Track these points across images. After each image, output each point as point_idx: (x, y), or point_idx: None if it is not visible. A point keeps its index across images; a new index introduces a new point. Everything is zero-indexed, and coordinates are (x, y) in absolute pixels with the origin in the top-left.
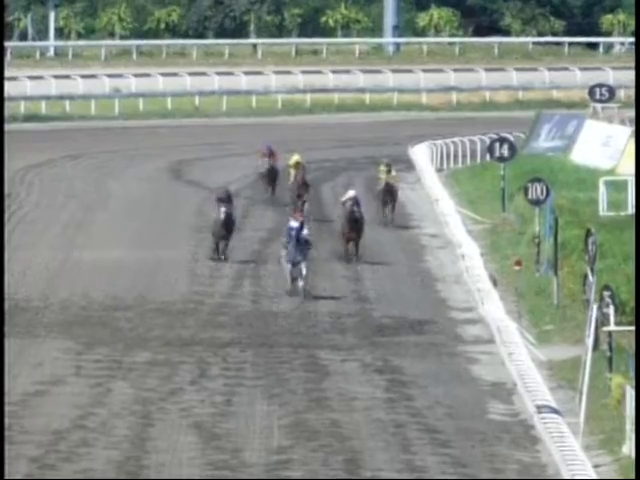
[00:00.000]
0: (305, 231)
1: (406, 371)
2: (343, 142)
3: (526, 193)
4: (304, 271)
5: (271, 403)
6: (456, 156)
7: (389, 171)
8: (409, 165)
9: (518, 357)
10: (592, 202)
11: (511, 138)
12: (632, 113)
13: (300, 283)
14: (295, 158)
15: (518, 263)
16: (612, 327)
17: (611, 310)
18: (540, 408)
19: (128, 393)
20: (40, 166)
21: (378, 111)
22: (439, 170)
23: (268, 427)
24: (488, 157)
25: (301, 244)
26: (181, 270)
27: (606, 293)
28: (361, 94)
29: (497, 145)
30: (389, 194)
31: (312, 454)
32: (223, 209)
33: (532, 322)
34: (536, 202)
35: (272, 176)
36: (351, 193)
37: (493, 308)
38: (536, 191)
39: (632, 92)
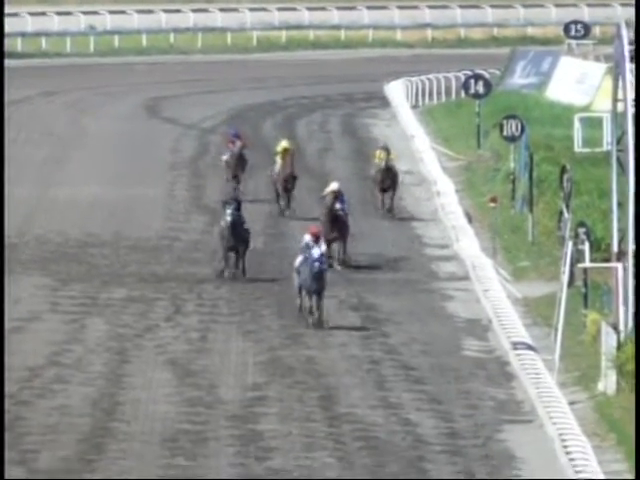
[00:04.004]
0: (323, 247)
1: (381, 308)
2: (318, 79)
3: (501, 130)
4: (321, 301)
5: (246, 340)
6: (431, 93)
7: (388, 153)
8: (384, 102)
9: (493, 294)
10: (567, 139)
11: (486, 75)
12: (607, 50)
13: (316, 315)
14: (283, 144)
15: (493, 200)
16: (587, 264)
17: (586, 247)
18: (515, 345)
19: (103, 329)
20: (16, 103)
21: (353, 48)
22: (414, 107)
23: (243, 364)
24: (463, 94)
25: (322, 272)
26: (156, 207)
27: (581, 230)
28: (336, 31)
29: (472, 82)
30: (389, 179)
31: (287, 391)
32: (228, 213)
33: (507, 259)
34: (511, 139)
35: (240, 165)
36: (333, 186)
37: (468, 245)
38: (511, 128)
39: (607, 29)
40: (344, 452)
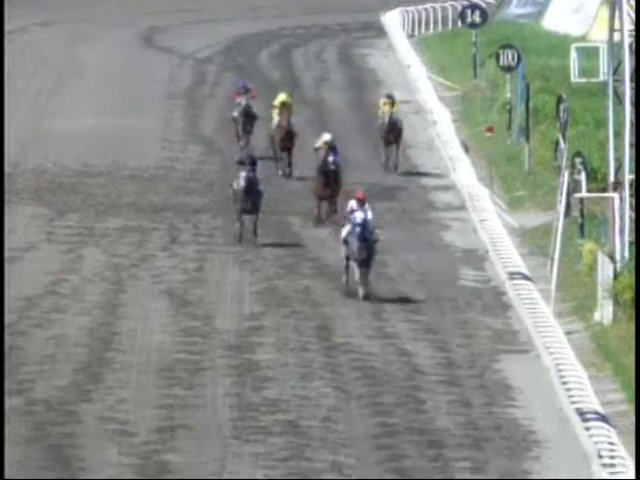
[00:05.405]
0: (369, 214)
1: (378, 238)
2: (315, 9)
3: (497, 60)
4: (368, 274)
5: (242, 269)
6: (428, 23)
7: (392, 104)
8: (381, 32)
9: (490, 223)
10: (563, 69)
11: (483, 5)
12: None
13: (367, 286)
14: (281, 97)
15: (490, 130)
16: (584, 193)
17: (582, 177)
18: (512, 275)
19: (100, 259)
20: (11, 33)
21: None
22: (410, 36)
23: (239, 294)
24: (460, 24)
25: (368, 238)
26: (153, 137)
27: (577, 160)
28: None
29: (469, 12)
30: (393, 132)
31: (283, 320)
32: (243, 174)
33: (504, 189)
34: (507, 69)
35: (248, 119)
36: (326, 137)
37: (465, 175)
38: (507, 58)
39: None
40: (340, 382)
